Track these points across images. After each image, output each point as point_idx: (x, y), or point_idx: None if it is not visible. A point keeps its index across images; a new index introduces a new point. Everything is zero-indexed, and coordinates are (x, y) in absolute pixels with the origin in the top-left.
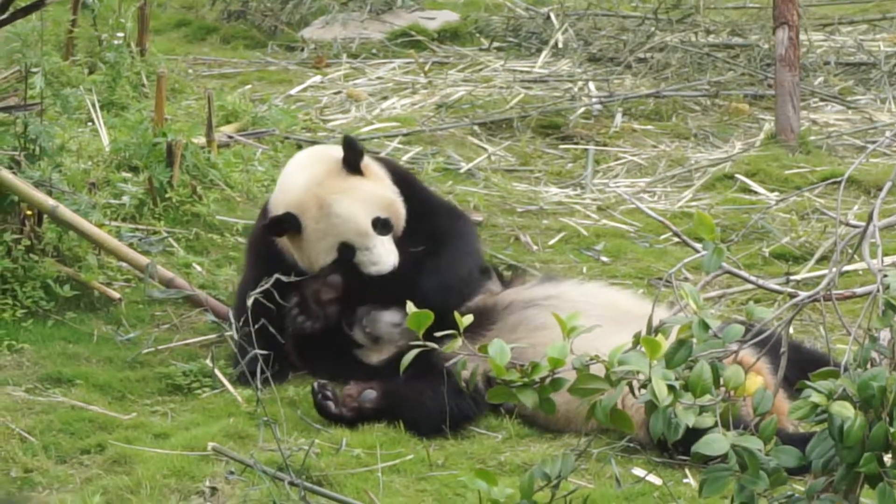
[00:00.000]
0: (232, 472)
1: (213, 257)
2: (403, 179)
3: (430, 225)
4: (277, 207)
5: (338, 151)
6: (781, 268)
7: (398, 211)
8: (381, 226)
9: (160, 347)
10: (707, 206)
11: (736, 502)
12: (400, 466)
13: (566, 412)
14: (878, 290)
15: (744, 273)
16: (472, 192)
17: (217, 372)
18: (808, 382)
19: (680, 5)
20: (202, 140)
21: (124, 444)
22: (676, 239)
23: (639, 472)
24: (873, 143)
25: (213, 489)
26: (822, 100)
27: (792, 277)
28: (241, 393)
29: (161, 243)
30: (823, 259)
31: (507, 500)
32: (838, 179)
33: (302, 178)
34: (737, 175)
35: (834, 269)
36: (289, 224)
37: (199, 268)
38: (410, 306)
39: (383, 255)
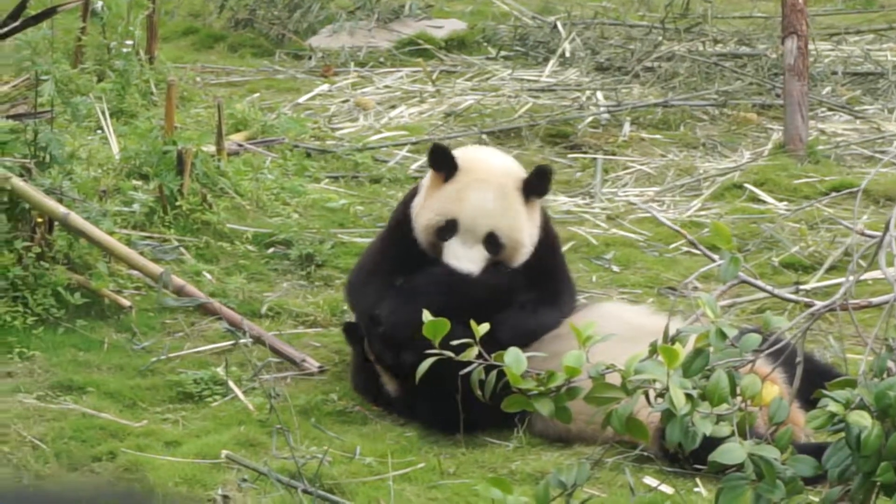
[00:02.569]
0: (245, 480)
1: (223, 265)
2: (548, 238)
3: (544, 283)
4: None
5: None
6: (791, 277)
7: (519, 248)
8: (492, 243)
9: (171, 355)
10: (716, 216)
11: None
12: (411, 475)
13: (576, 425)
14: (894, 300)
15: (759, 282)
16: None
17: (229, 380)
18: (826, 392)
19: (687, 15)
20: (212, 148)
21: (136, 451)
22: (686, 248)
23: (650, 481)
24: (882, 152)
25: (226, 497)
26: (829, 109)
27: (802, 287)
28: (252, 401)
29: (174, 251)
30: (833, 269)
31: None
32: (853, 190)
33: (492, 156)
34: (745, 184)
35: (851, 278)
36: (445, 162)
37: (209, 276)
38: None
39: (470, 258)
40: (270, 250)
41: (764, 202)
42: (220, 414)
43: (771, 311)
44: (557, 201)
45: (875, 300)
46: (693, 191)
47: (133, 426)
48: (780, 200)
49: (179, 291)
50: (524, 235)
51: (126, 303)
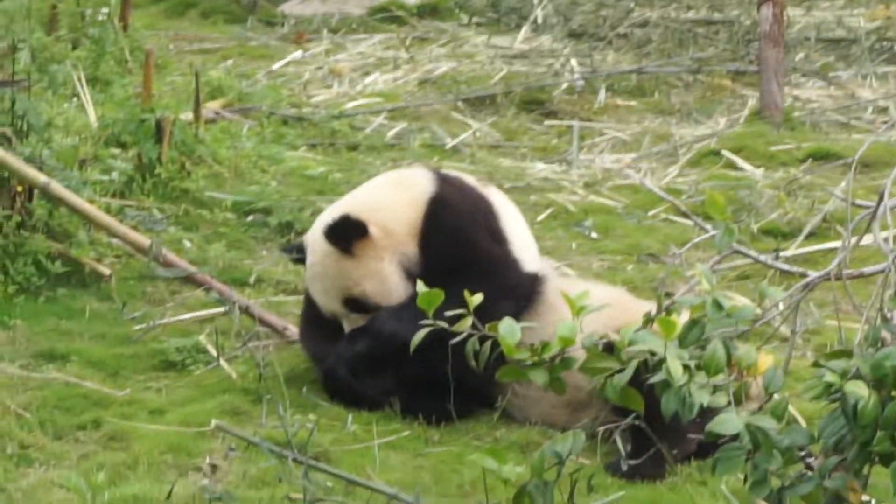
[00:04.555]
0: (232, 449)
1: (202, 233)
2: (447, 232)
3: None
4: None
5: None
6: (770, 244)
7: (375, 290)
8: (355, 304)
9: (152, 323)
10: (693, 183)
11: (749, 481)
12: (396, 443)
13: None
14: (889, 270)
15: (752, 252)
16: (459, 168)
17: (211, 348)
18: (822, 362)
19: None
20: (189, 116)
21: (120, 420)
22: (665, 215)
23: None
24: (857, 119)
25: (214, 466)
26: (803, 76)
27: (782, 253)
28: (236, 369)
29: (163, 222)
30: (811, 235)
31: (518, 478)
32: (845, 162)
33: (318, 226)
34: (722, 151)
35: (846, 247)
36: (300, 258)
37: (189, 244)
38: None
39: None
40: (250, 218)
41: (741, 169)
42: (203, 382)
43: (750, 278)
44: (535, 168)
45: (868, 270)
46: (669, 157)
47: (116, 395)
48: (758, 167)
49: (163, 261)
50: (365, 282)
51: (106, 271)
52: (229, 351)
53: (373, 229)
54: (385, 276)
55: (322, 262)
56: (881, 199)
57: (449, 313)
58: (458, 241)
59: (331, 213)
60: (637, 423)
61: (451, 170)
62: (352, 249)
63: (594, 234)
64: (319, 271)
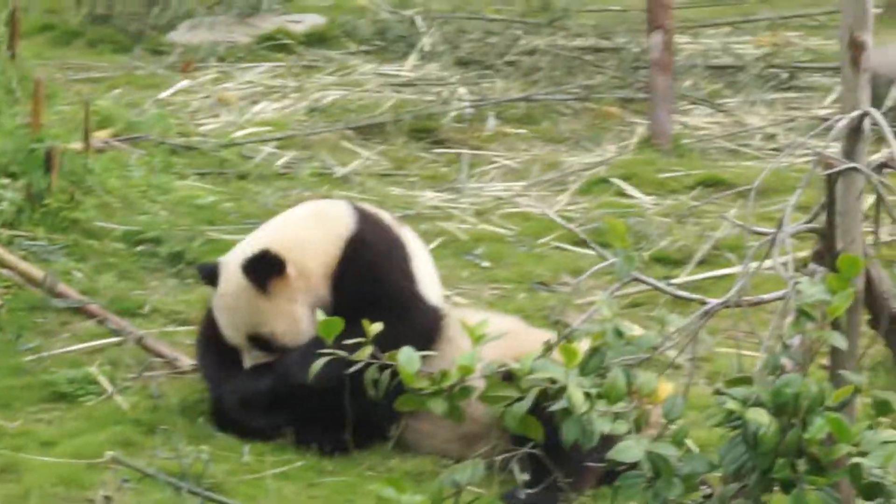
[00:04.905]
0: (126, 481)
1: (92, 263)
2: (363, 273)
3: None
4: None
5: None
6: (660, 271)
7: (281, 331)
8: (258, 341)
9: (43, 354)
10: (584, 210)
11: None
12: (290, 473)
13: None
14: (790, 297)
15: (653, 280)
16: (349, 198)
17: (102, 379)
18: (723, 389)
19: (548, 8)
20: (78, 145)
21: (11, 451)
22: (555, 243)
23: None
24: (745, 146)
25: (108, 498)
26: (692, 103)
27: (672, 281)
28: (127, 400)
29: (60, 252)
30: (701, 262)
31: None
32: (746, 187)
33: (234, 255)
34: (612, 179)
35: (746, 274)
36: (211, 281)
37: (79, 274)
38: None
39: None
40: (139, 248)
41: (631, 196)
42: (94, 414)
43: (644, 305)
44: (424, 196)
45: (767, 297)
46: (559, 185)
47: (7, 426)
48: (648, 194)
49: (55, 292)
50: (275, 322)
51: None
52: (121, 382)
53: (290, 269)
54: (296, 319)
55: (234, 294)
56: (780, 224)
57: (351, 343)
58: (371, 283)
59: (250, 245)
60: (534, 451)
61: (368, 205)
62: (267, 287)
63: (485, 263)
64: (230, 303)
